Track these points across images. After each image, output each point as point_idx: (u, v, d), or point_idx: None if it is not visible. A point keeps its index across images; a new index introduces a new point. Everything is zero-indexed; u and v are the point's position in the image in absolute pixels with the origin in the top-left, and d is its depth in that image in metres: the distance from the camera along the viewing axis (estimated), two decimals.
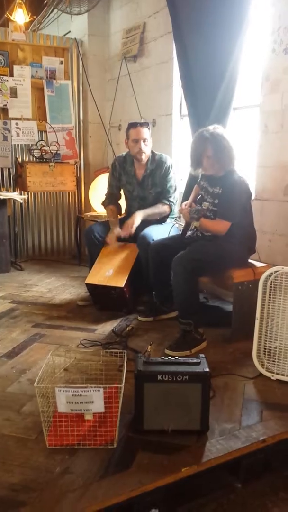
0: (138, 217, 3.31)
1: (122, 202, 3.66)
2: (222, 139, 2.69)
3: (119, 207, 3.58)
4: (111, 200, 3.55)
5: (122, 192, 3.61)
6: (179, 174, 4.06)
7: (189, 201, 3.07)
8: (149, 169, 3.38)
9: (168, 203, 3.40)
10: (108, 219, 3.53)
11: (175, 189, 3.46)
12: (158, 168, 3.37)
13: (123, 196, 3.64)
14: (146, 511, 1.60)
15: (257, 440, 1.83)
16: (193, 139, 2.80)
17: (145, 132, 3.30)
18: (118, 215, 3.53)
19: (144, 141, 3.29)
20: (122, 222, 3.48)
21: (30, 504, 1.50)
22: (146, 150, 3.32)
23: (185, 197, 3.47)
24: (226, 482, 1.81)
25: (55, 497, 1.53)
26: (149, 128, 3.36)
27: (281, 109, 3.04)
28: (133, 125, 3.34)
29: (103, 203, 3.59)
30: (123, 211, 3.68)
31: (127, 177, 3.47)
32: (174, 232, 3.22)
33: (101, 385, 1.77)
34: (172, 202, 3.43)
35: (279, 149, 3.10)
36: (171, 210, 3.44)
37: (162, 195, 3.41)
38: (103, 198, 3.64)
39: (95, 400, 1.76)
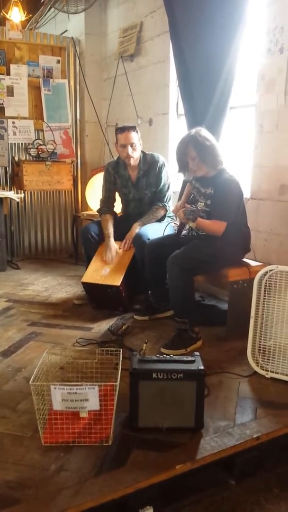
0: (136, 231, 3.28)
1: (117, 204, 3.66)
2: (202, 140, 2.72)
3: (114, 215, 3.54)
4: (107, 206, 3.50)
5: (117, 194, 3.60)
6: (175, 174, 4.07)
7: (181, 201, 3.08)
8: (142, 169, 3.38)
9: (162, 205, 3.41)
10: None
11: (168, 187, 3.46)
12: (151, 168, 3.37)
13: (118, 198, 3.64)
14: (140, 508, 1.61)
15: (251, 437, 1.85)
16: (177, 144, 2.82)
17: (133, 137, 3.28)
18: (113, 227, 3.43)
19: (131, 145, 3.27)
20: (119, 222, 3.49)
21: (26, 501, 1.51)
22: (134, 154, 3.30)
23: (181, 197, 3.49)
24: (220, 479, 1.82)
25: (50, 494, 1.54)
26: (137, 132, 3.33)
27: (277, 109, 3.05)
28: (121, 130, 3.32)
29: (99, 211, 3.54)
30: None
31: (121, 180, 3.46)
32: (169, 230, 3.23)
33: (96, 383, 1.79)
34: (166, 203, 3.43)
35: (275, 149, 3.11)
36: (166, 211, 3.44)
37: (156, 196, 3.42)
38: (99, 199, 3.60)
39: (90, 398, 1.78)
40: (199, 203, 2.85)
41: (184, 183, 3.57)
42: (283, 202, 3.09)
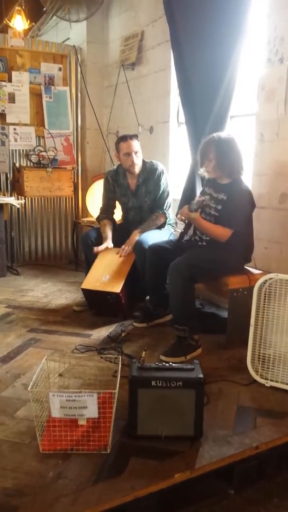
0: (136, 238, 3.28)
1: (117, 211, 3.67)
2: (228, 146, 2.74)
3: (113, 221, 3.55)
4: (106, 213, 3.53)
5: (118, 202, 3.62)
6: (176, 181, 4.09)
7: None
8: (142, 178, 3.40)
9: (161, 212, 3.42)
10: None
11: (168, 194, 3.46)
12: (150, 176, 3.39)
13: (118, 206, 3.65)
14: None
15: (250, 446, 1.84)
16: (205, 140, 2.85)
17: (136, 145, 3.32)
18: (111, 231, 3.45)
19: (135, 153, 3.31)
20: (119, 229, 3.49)
21: (23, 509, 1.50)
22: (138, 162, 3.34)
23: (182, 205, 3.49)
24: (219, 488, 1.81)
25: (48, 502, 1.53)
26: (138, 140, 3.37)
27: (277, 118, 3.07)
28: (123, 139, 3.35)
29: (98, 218, 3.56)
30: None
31: (121, 189, 3.48)
32: (171, 238, 3.23)
33: (95, 390, 1.78)
34: (166, 210, 3.44)
35: (275, 158, 3.12)
36: (166, 218, 3.45)
37: (156, 203, 3.42)
38: (100, 204, 3.63)
39: (89, 405, 1.77)
40: (205, 196, 2.84)
41: (185, 190, 3.59)
42: (283, 210, 3.09)
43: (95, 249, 3.31)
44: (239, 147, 2.79)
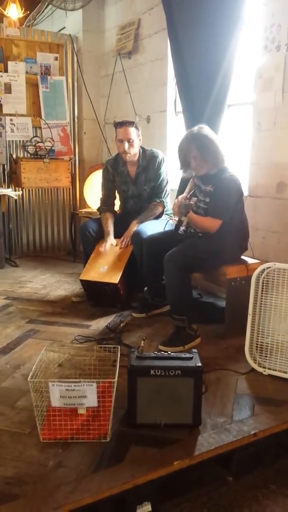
0: (134, 229, 3.28)
1: (116, 202, 3.66)
2: (205, 139, 2.71)
3: (114, 213, 3.54)
4: (107, 205, 3.51)
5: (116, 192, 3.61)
6: (173, 170, 4.08)
7: (184, 194, 3.08)
8: (142, 165, 3.38)
9: (159, 201, 3.41)
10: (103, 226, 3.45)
11: (167, 183, 3.45)
12: (150, 164, 3.37)
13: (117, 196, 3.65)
14: (138, 504, 1.62)
15: (248, 434, 1.86)
16: (179, 142, 2.82)
17: (131, 132, 3.27)
18: (113, 224, 3.43)
19: (129, 141, 3.26)
20: (118, 219, 3.49)
21: (24, 497, 1.52)
22: (131, 150, 3.29)
23: (179, 194, 3.49)
24: (218, 475, 1.83)
25: (48, 490, 1.54)
26: (136, 127, 3.32)
27: (274, 106, 3.05)
28: (119, 124, 3.31)
29: (99, 209, 3.55)
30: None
31: (121, 178, 3.46)
32: (168, 228, 3.23)
33: (94, 380, 1.79)
34: (164, 199, 3.43)
35: (272, 147, 3.11)
36: (164, 207, 3.44)
37: (154, 191, 3.42)
38: (98, 197, 3.61)
39: (88, 395, 1.78)
40: (193, 198, 2.85)
41: (182, 181, 3.58)
42: (281, 199, 3.09)
43: (101, 249, 3.28)
44: (214, 136, 2.77)
